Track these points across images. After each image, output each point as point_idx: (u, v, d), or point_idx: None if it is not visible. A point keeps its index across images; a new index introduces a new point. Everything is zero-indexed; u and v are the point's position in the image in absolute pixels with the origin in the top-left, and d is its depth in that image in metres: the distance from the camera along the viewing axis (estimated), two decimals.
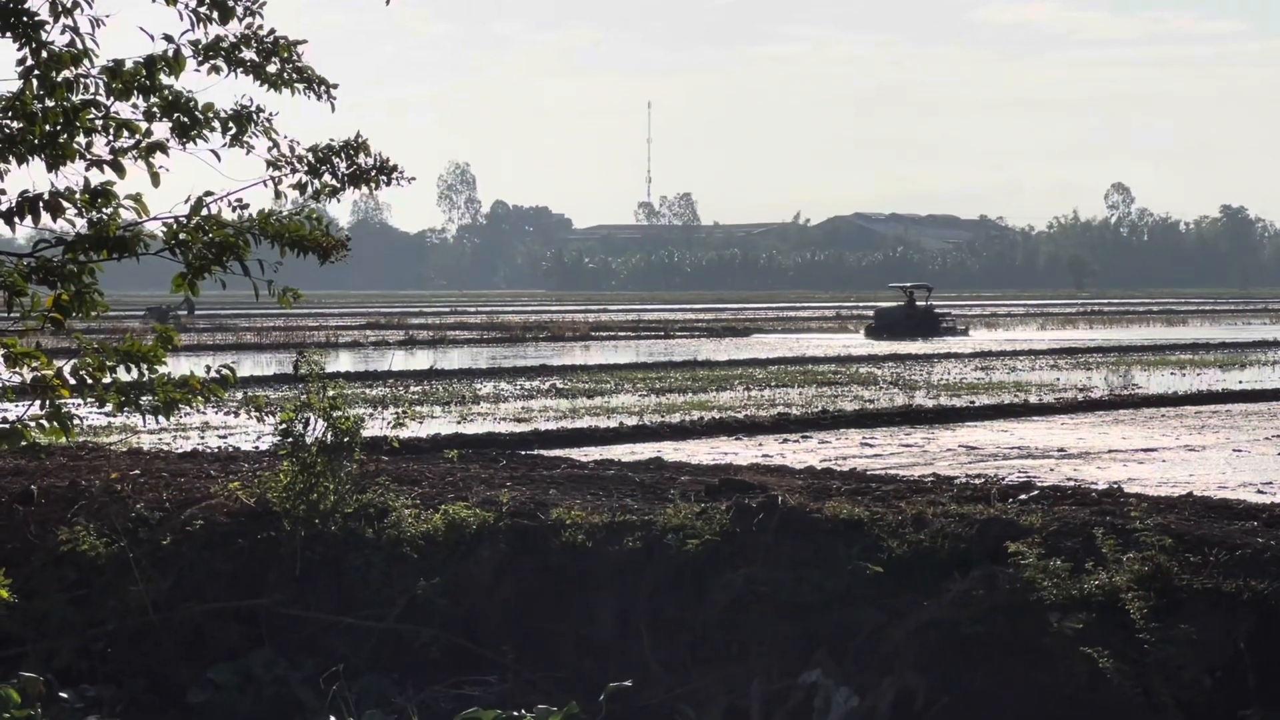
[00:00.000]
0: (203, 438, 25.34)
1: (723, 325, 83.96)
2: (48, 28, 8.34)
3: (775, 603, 11.82)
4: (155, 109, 8.62)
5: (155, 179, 8.56)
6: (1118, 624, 10.66)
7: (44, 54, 8.33)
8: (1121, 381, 39.24)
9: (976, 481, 16.30)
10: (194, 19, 8.65)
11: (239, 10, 8.75)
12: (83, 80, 8.44)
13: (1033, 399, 33.21)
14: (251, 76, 8.91)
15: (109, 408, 8.78)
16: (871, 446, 24.29)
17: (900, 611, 11.44)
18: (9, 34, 8.30)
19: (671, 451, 22.68)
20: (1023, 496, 13.79)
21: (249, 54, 8.86)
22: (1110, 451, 23.49)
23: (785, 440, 25.38)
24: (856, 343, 63.73)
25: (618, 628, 12.41)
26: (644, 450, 22.82)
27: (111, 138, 8.52)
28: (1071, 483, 17.50)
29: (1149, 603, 10.64)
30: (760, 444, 24.70)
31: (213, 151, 8.70)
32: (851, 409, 30.37)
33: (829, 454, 22.89)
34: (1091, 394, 34.48)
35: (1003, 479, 17.29)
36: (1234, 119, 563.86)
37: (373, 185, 9.16)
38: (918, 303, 74.85)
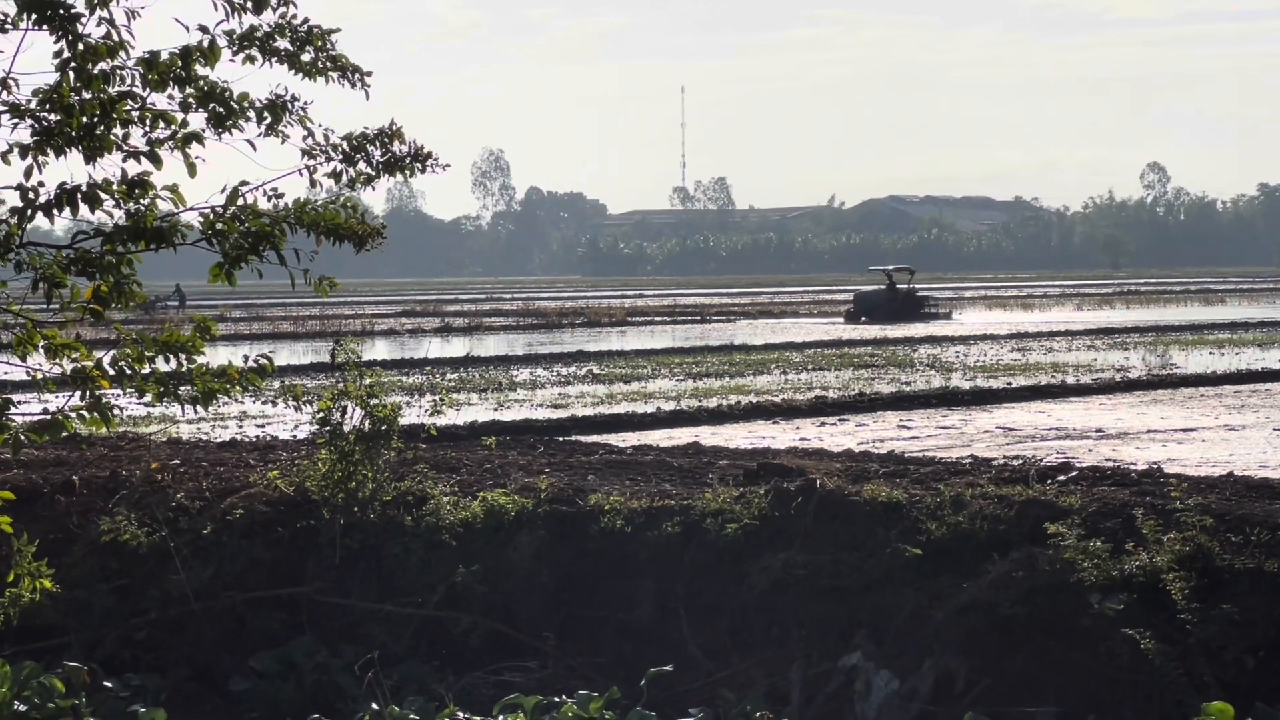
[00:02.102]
0: (241, 427, 25.44)
1: (758, 309, 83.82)
2: (84, 20, 8.35)
3: (814, 586, 11.81)
4: (191, 100, 8.63)
5: (191, 169, 8.57)
6: (1159, 604, 10.62)
7: (80, 46, 8.34)
8: (1159, 361, 39.06)
9: (1015, 463, 16.26)
10: (228, 9, 8.65)
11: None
12: (119, 72, 8.45)
13: (1070, 380, 33.10)
14: (286, 65, 8.91)
15: (148, 398, 8.81)
16: (909, 429, 24.25)
17: (940, 594, 11.42)
18: (45, 27, 8.33)
19: (709, 436, 22.68)
20: (1061, 477, 13.73)
21: (283, 43, 8.85)
22: (1149, 432, 23.39)
23: (823, 423, 25.36)
24: (835, 328, 62.51)
25: (657, 613, 12.41)
26: (681, 435, 22.82)
27: (148, 129, 8.53)
28: (1110, 463, 17.44)
29: (1190, 583, 10.60)
30: (798, 427, 24.68)
31: (248, 141, 8.71)
32: (888, 391, 30.34)
33: (866, 437, 22.87)
34: (1129, 374, 34.35)
35: (1041, 460, 17.24)
36: (1270, 97, 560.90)
37: (407, 173, 9.15)
38: (899, 286, 73.16)
